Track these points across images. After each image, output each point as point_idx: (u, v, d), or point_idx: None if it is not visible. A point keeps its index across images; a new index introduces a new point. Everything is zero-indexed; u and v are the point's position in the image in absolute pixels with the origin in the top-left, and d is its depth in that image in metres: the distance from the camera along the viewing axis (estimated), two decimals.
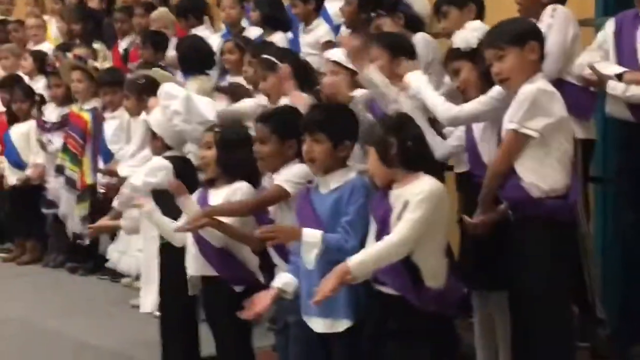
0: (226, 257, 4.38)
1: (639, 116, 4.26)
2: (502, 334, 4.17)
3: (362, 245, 3.65)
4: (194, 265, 4.43)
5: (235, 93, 5.82)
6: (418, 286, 3.56)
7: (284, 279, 3.88)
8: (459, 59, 4.24)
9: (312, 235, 3.70)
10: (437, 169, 3.82)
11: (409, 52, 4.59)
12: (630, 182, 4.39)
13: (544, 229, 3.68)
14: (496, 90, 3.94)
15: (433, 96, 4.19)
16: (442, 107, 4.14)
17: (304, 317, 3.90)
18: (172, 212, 4.52)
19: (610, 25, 4.42)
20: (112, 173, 6.18)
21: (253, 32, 6.93)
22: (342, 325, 3.79)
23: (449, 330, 3.72)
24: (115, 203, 5.19)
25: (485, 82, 4.09)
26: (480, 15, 5.05)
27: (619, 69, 4.28)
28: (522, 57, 3.74)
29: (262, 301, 3.88)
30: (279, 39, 6.49)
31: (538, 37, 3.81)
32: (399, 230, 3.50)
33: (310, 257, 3.70)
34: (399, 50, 4.52)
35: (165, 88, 5.10)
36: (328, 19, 6.64)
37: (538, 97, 3.66)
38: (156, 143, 4.93)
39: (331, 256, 3.66)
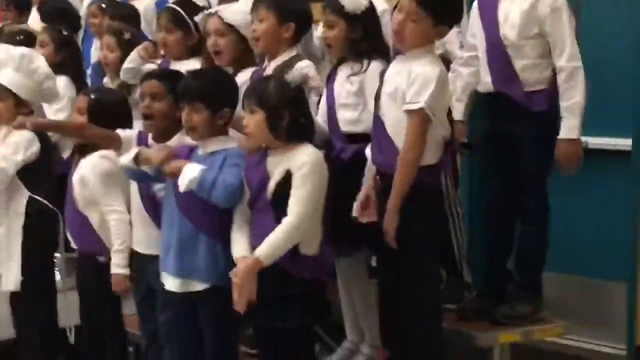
0: (87, 233, 4.36)
1: (501, 85, 4.32)
2: (359, 298, 4.23)
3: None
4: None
5: None
6: (293, 253, 3.58)
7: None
8: (338, 14, 4.08)
9: (192, 168, 3.69)
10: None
11: (300, 18, 4.31)
12: (491, 149, 4.48)
13: (409, 194, 3.71)
14: None
15: None
16: None
17: (162, 273, 3.88)
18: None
19: (474, 4, 4.45)
20: None
21: None
22: (198, 286, 3.79)
23: (321, 296, 3.75)
24: None
25: (352, 49, 4.07)
26: None
27: None
28: (429, 32, 3.75)
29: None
30: (147, 1, 6.37)
31: (453, 19, 3.83)
32: (294, 210, 3.53)
33: (184, 180, 3.67)
34: (288, 15, 4.24)
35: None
36: None
37: (439, 80, 3.68)
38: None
39: (202, 190, 3.64)
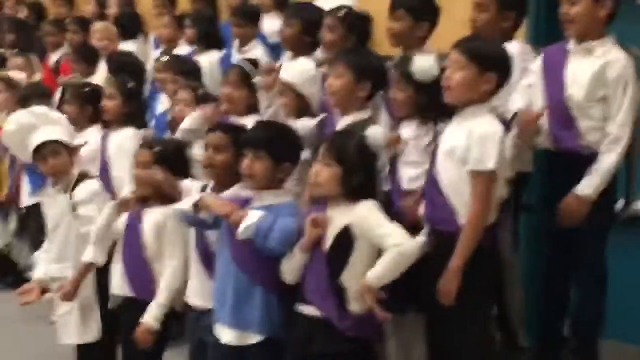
0: (148, 280, 4.38)
1: (559, 144, 4.30)
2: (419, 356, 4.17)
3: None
4: (118, 284, 4.47)
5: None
6: (341, 309, 3.58)
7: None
8: (407, 79, 4.10)
9: (254, 214, 3.72)
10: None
11: (377, 78, 4.33)
12: (550, 211, 4.43)
13: None
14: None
15: None
16: None
17: (216, 325, 3.89)
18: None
19: (538, 61, 4.45)
20: None
21: (185, 49, 6.90)
22: (252, 339, 3.80)
23: (369, 355, 3.73)
24: None
25: (417, 112, 4.10)
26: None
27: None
28: (477, 81, 3.74)
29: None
30: (213, 58, 6.47)
31: (501, 70, 3.80)
32: (399, 240, 3.57)
33: (243, 226, 3.70)
34: (365, 73, 4.27)
35: None
36: (263, 39, 6.62)
37: (502, 141, 3.68)
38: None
39: (258, 238, 3.67)
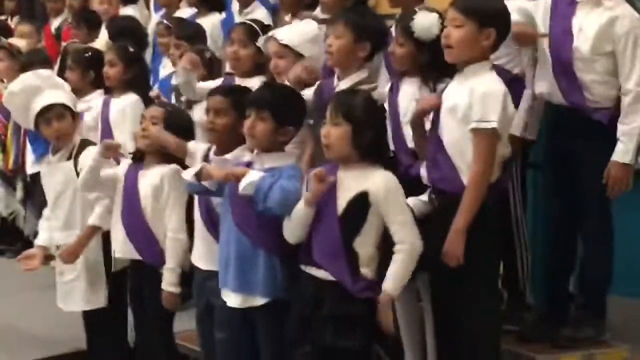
0: (151, 242, 4.38)
1: (568, 98, 4.26)
2: (407, 322, 4.19)
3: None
4: (122, 248, 4.46)
5: None
6: (354, 273, 3.57)
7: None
8: (407, 36, 4.05)
9: (255, 173, 3.72)
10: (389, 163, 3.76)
11: (377, 38, 4.28)
12: (555, 168, 4.42)
13: None
14: None
15: None
16: None
17: (222, 290, 3.90)
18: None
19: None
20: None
21: (186, 12, 6.86)
22: (258, 301, 3.81)
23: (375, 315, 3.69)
24: None
25: (418, 69, 4.06)
26: None
27: None
28: (476, 37, 3.71)
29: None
30: (216, 20, 6.44)
31: (500, 24, 3.76)
32: (405, 236, 3.56)
33: (244, 182, 3.69)
34: (365, 33, 4.23)
35: None
36: (264, 1, 6.57)
37: (504, 98, 3.65)
38: None
39: (259, 195, 3.66)
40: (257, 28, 4.90)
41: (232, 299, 3.88)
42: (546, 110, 4.54)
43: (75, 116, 4.83)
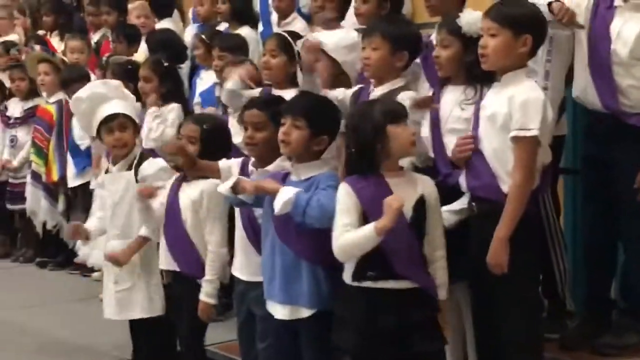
0: (190, 253, 4.41)
1: (604, 102, 4.24)
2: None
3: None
4: (164, 259, 4.49)
5: None
6: (428, 277, 3.62)
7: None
8: (454, 35, 4.03)
9: (288, 190, 3.71)
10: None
11: (413, 46, 4.27)
12: (590, 173, 4.39)
13: None
14: None
15: None
16: None
17: (267, 301, 3.90)
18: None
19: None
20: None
21: (222, 26, 6.91)
22: (304, 312, 3.80)
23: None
24: None
25: (462, 71, 4.03)
26: None
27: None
28: (512, 45, 3.69)
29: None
30: (247, 33, 6.47)
31: (536, 29, 3.74)
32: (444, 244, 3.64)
33: (279, 202, 3.68)
34: (401, 43, 4.21)
35: None
36: (298, 10, 6.58)
37: (544, 105, 3.64)
38: None
39: (296, 213, 3.65)
40: (289, 38, 4.89)
41: (279, 311, 3.86)
42: (580, 114, 4.52)
43: (137, 128, 4.86)
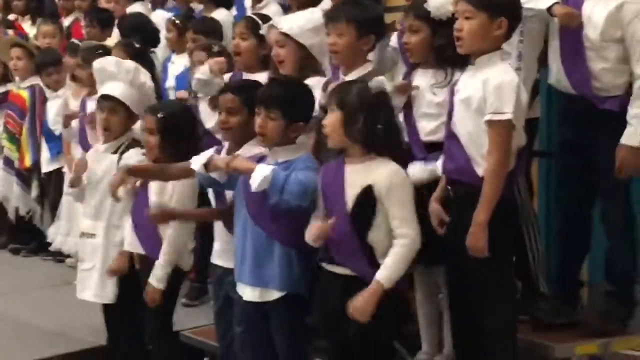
0: (153, 237, 4.44)
1: (576, 87, 4.26)
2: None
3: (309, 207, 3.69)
4: (130, 240, 4.54)
5: None
6: (372, 267, 3.58)
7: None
8: (422, 19, 4.02)
9: (264, 167, 3.71)
10: (401, 156, 3.73)
11: (379, 28, 4.25)
12: (566, 157, 4.41)
13: None
14: None
15: None
16: None
17: (237, 284, 3.92)
18: None
19: None
20: None
21: (197, 8, 6.88)
22: (273, 295, 3.82)
23: (401, 305, 3.74)
24: None
25: (432, 55, 4.03)
26: None
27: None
28: (488, 28, 3.70)
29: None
30: (223, 15, 6.44)
31: (511, 12, 3.74)
32: (405, 232, 3.55)
33: (257, 178, 3.67)
34: (367, 26, 4.16)
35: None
36: None
37: (518, 88, 3.65)
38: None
39: (274, 190, 3.65)
40: (259, 21, 4.85)
41: (248, 293, 3.90)
42: (555, 97, 4.54)
43: (133, 116, 4.80)
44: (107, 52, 5.82)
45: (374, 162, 3.62)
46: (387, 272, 3.55)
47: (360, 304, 3.54)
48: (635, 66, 4.12)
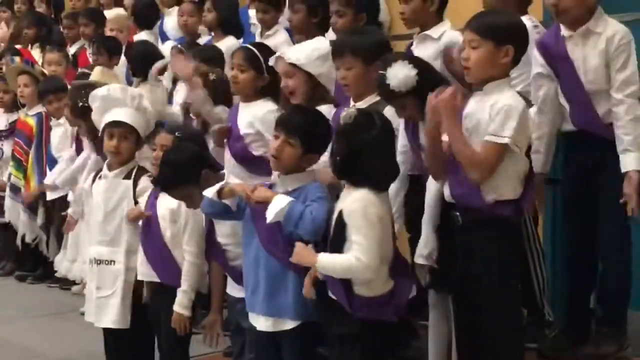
0: (169, 264, 4.41)
1: (577, 123, 4.31)
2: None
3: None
4: (142, 270, 4.49)
5: None
6: (349, 293, 3.57)
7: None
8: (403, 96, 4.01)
9: (282, 198, 3.70)
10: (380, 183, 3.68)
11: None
12: (572, 187, 4.43)
13: (490, 230, 3.67)
14: None
15: None
16: None
17: (249, 313, 3.90)
18: None
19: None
20: None
21: (205, 38, 6.91)
22: (287, 325, 3.79)
23: (383, 335, 3.64)
24: None
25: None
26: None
27: None
28: (494, 56, 3.71)
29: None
30: (230, 43, 6.47)
31: (517, 40, 3.76)
32: (363, 257, 3.48)
33: (273, 210, 3.66)
34: (373, 56, 4.17)
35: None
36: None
37: (522, 114, 3.65)
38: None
39: (289, 224, 3.64)
40: (256, 51, 4.87)
41: (262, 323, 3.85)
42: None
43: (140, 142, 4.81)
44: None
45: (350, 188, 3.62)
46: (328, 261, 3.53)
47: (299, 258, 3.59)
48: (614, 92, 4.17)
